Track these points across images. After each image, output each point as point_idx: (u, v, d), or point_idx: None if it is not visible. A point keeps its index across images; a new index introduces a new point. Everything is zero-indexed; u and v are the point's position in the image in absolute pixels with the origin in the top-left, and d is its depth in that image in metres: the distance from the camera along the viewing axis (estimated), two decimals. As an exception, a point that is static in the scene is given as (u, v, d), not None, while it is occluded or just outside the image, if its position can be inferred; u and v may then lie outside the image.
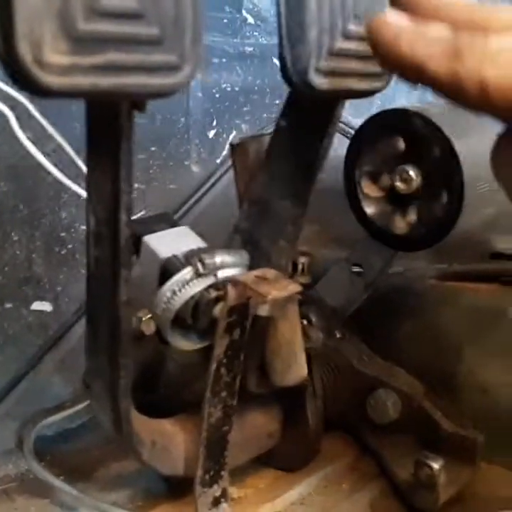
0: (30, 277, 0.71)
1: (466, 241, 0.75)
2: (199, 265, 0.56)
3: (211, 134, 0.84)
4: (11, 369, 0.71)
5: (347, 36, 0.46)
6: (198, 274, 0.56)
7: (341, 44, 0.46)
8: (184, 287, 0.56)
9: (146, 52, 0.33)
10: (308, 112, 0.52)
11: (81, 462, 0.72)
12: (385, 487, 0.70)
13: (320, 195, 0.88)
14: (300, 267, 0.65)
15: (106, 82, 0.32)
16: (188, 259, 0.57)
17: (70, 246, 0.73)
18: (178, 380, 0.75)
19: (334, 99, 0.51)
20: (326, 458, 0.74)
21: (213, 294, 0.56)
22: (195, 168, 0.83)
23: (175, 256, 0.58)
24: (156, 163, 0.79)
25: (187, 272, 0.56)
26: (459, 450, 0.67)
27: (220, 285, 0.56)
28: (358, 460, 0.74)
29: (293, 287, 0.54)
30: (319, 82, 0.45)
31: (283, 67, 0.45)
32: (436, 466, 0.62)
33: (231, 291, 0.53)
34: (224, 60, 0.86)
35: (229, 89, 0.85)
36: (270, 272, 0.55)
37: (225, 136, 0.85)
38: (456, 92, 0.34)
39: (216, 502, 0.62)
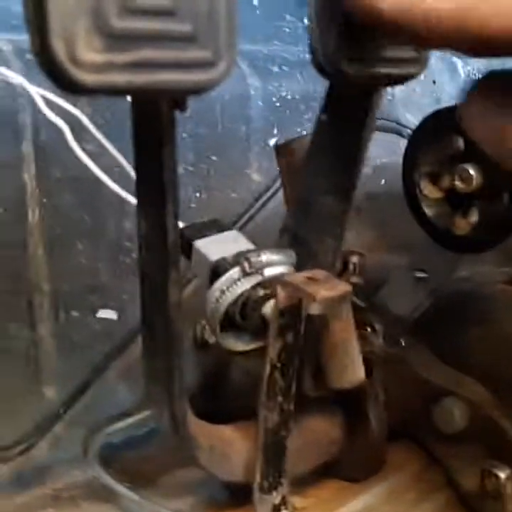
0: (96, 286, 0.72)
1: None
2: (246, 264, 0.56)
3: (272, 142, 0.84)
4: (77, 377, 0.73)
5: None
6: (245, 273, 0.56)
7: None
8: (232, 286, 0.56)
9: (180, 49, 0.34)
10: (346, 103, 0.52)
11: (146, 469, 0.73)
12: (451, 497, 0.67)
13: (381, 201, 0.87)
14: (351, 266, 0.64)
15: (140, 79, 0.33)
16: (236, 259, 0.57)
17: (134, 255, 0.74)
18: (243, 388, 0.76)
19: (369, 88, 0.50)
20: (390, 467, 0.72)
21: (261, 292, 0.56)
22: (256, 177, 0.84)
23: (223, 258, 0.58)
24: (217, 172, 0.80)
25: (235, 272, 0.57)
26: (529, 460, 0.64)
27: (267, 283, 0.56)
28: (423, 470, 0.72)
29: (343, 287, 0.53)
30: (351, 69, 0.45)
31: (314, 59, 0.45)
32: (503, 475, 0.60)
33: (280, 293, 0.53)
34: (285, 68, 0.86)
35: (289, 97, 0.86)
36: (320, 273, 0.54)
37: (288, 138, 0.85)
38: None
39: (276, 509, 0.61)
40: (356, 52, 0.44)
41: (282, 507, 0.62)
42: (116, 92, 0.33)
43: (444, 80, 1.06)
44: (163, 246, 0.45)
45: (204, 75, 0.35)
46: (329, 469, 0.72)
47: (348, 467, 0.71)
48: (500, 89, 0.36)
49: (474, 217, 0.64)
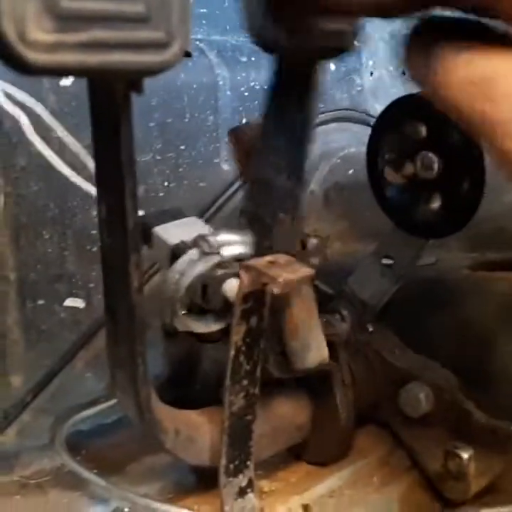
0: (63, 274, 0.72)
1: (497, 229, 0.74)
2: (204, 245, 0.57)
3: (240, 132, 0.84)
4: (44, 365, 0.72)
5: None
6: (203, 253, 0.57)
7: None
8: (191, 267, 0.57)
9: (133, 30, 0.34)
10: (288, 81, 0.53)
11: (113, 456, 0.73)
12: (417, 480, 0.69)
13: (349, 191, 0.88)
14: (310, 247, 0.65)
15: (93, 59, 0.33)
16: (194, 242, 0.58)
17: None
18: (212, 376, 0.76)
19: (306, 62, 0.52)
20: (357, 452, 0.73)
21: (220, 271, 0.56)
22: (225, 166, 0.84)
23: (182, 241, 0.59)
24: (185, 161, 0.80)
25: (193, 253, 0.57)
26: (492, 441, 0.66)
27: (226, 263, 0.57)
28: (389, 454, 0.73)
29: (305, 270, 0.54)
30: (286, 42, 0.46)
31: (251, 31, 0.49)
32: (465, 455, 0.61)
33: (244, 277, 0.53)
34: (253, 58, 0.86)
35: (258, 87, 0.86)
36: (283, 257, 0.55)
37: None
38: None
39: (242, 492, 0.62)
40: (289, 25, 0.45)
41: (248, 490, 0.62)
42: (67, 72, 0.33)
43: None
44: (123, 230, 0.45)
45: (157, 56, 0.35)
46: (296, 453, 0.73)
47: (315, 451, 0.72)
48: (441, 30, 0.37)
49: (436, 203, 0.65)
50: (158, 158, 0.77)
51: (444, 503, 0.64)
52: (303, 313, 0.57)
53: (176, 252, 0.58)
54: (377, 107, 1.03)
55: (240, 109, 0.85)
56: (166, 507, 0.62)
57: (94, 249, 0.74)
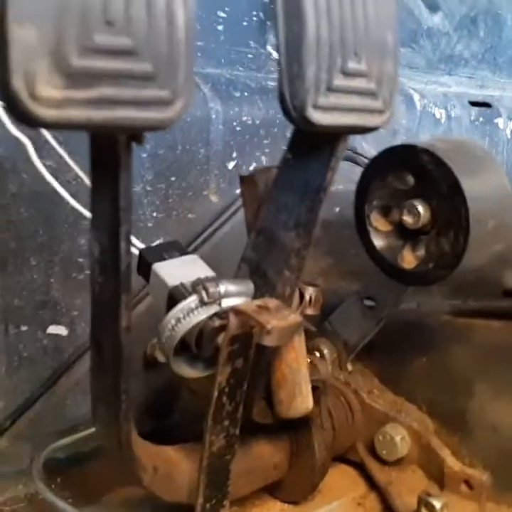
0: (47, 301, 0.72)
1: (480, 278, 0.75)
2: (204, 294, 0.57)
3: (231, 165, 0.85)
4: (25, 390, 0.72)
5: (346, 73, 0.47)
6: (202, 303, 0.57)
7: (340, 81, 0.47)
8: (188, 315, 0.57)
9: (139, 88, 0.35)
10: (311, 146, 0.53)
11: (90, 486, 0.73)
12: (390, 524, 0.69)
13: (335, 228, 0.89)
14: (308, 298, 0.65)
15: (99, 115, 0.34)
16: (194, 287, 0.58)
17: (87, 271, 0.74)
18: (193, 409, 0.76)
19: (336, 134, 0.52)
20: (332, 492, 0.74)
21: (217, 322, 0.56)
22: (214, 198, 0.84)
23: (182, 284, 0.59)
24: (175, 192, 0.80)
25: (192, 301, 0.57)
26: (465, 489, 0.67)
27: (224, 314, 0.56)
28: (364, 496, 0.74)
29: (294, 317, 0.54)
30: (317, 117, 0.46)
31: (282, 103, 0.46)
32: (438, 505, 0.62)
33: (233, 320, 0.54)
34: (246, 93, 0.87)
35: (250, 122, 0.87)
36: (272, 302, 0.55)
37: (244, 167, 0.86)
38: None
39: (217, 531, 0.62)
40: (323, 101, 0.46)
41: (223, 529, 0.62)
42: (74, 127, 0.33)
43: (401, 111, 1.09)
44: (115, 271, 0.46)
45: (161, 113, 0.36)
46: (272, 490, 0.73)
47: (290, 490, 0.72)
48: None
49: (421, 251, 0.66)
50: (149, 189, 0.77)
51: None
52: (293, 363, 0.58)
53: (174, 295, 0.58)
54: (365, 146, 1.05)
55: (232, 143, 0.86)
56: (140, 543, 0.61)
57: (80, 277, 0.74)
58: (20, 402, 0.73)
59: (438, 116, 1.14)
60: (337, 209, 0.91)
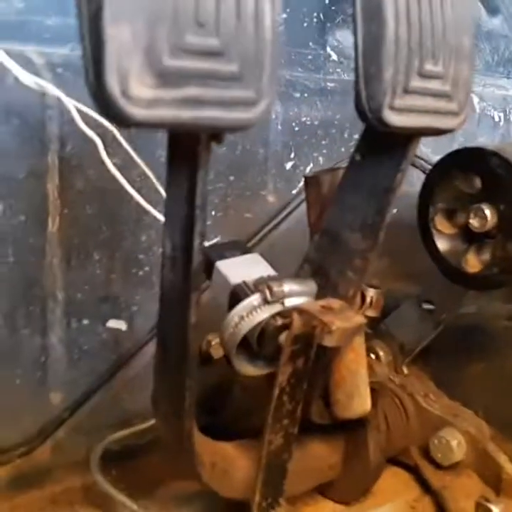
0: (108, 296, 0.74)
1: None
2: (267, 292, 0.57)
3: (288, 165, 0.85)
4: (83, 383, 0.74)
5: (423, 75, 0.47)
6: (265, 301, 0.57)
7: (417, 83, 0.46)
8: (251, 313, 0.57)
9: (226, 88, 0.35)
10: (383, 147, 0.53)
11: (144, 479, 0.74)
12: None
13: (394, 229, 0.88)
14: (368, 299, 0.65)
15: (187, 114, 0.34)
16: (256, 286, 0.58)
17: (147, 268, 0.75)
18: (245, 405, 0.77)
19: (409, 136, 0.52)
20: (385, 495, 0.74)
21: (279, 321, 0.57)
22: (271, 198, 0.85)
23: (244, 282, 0.59)
24: (234, 192, 0.81)
25: (255, 299, 0.58)
26: (523, 496, 0.66)
27: (286, 313, 0.56)
28: (417, 499, 0.74)
29: (357, 319, 0.54)
30: (393, 119, 0.46)
31: (358, 103, 0.46)
32: (496, 510, 0.61)
33: (296, 320, 0.54)
34: (305, 94, 0.87)
35: (308, 123, 0.87)
36: (336, 303, 0.56)
37: (302, 168, 0.87)
38: None
39: (272, 529, 0.62)
40: (400, 103, 0.46)
41: (278, 527, 0.63)
42: (163, 126, 0.34)
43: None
44: (187, 268, 0.46)
45: (246, 113, 0.36)
46: (323, 490, 0.73)
47: (342, 490, 0.72)
48: None
49: (486, 255, 0.65)
50: (209, 188, 0.78)
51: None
52: (352, 364, 0.58)
53: (237, 292, 0.58)
54: (423, 148, 1.04)
55: (290, 143, 0.86)
56: (195, 537, 0.62)
57: (141, 273, 0.75)
58: (78, 394, 0.74)
59: (496, 119, 1.12)
60: (395, 210, 0.90)
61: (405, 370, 0.79)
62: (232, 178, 0.80)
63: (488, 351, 0.76)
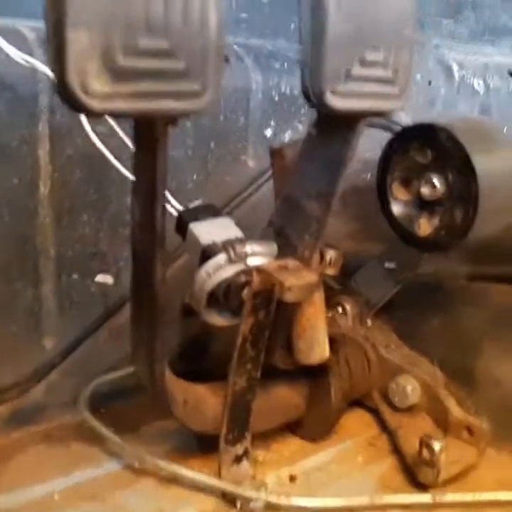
0: (96, 253, 0.80)
1: (495, 246, 0.80)
2: (232, 252, 0.64)
3: (268, 132, 0.91)
4: (74, 332, 0.81)
5: (364, 63, 0.52)
6: (230, 260, 0.64)
7: (358, 70, 0.52)
8: (218, 271, 0.64)
9: (175, 82, 0.41)
10: (333, 125, 0.59)
11: (129, 418, 0.81)
12: (397, 463, 0.76)
13: (364, 194, 0.94)
14: (328, 259, 0.72)
15: (141, 106, 0.40)
16: (224, 246, 0.65)
17: (132, 227, 0.82)
18: (221, 355, 0.84)
19: (354, 118, 0.57)
20: (347, 433, 0.82)
21: (242, 278, 0.63)
22: (251, 163, 0.90)
23: (213, 243, 0.66)
24: (214, 157, 0.87)
25: (221, 258, 0.64)
26: (466, 435, 0.73)
27: (248, 271, 0.63)
28: (376, 437, 0.81)
29: (310, 277, 0.61)
30: (336, 103, 0.52)
31: (303, 89, 0.52)
32: (437, 446, 0.68)
33: (256, 278, 0.61)
34: (285, 65, 0.92)
35: (288, 92, 0.92)
36: (292, 262, 0.62)
37: (281, 135, 0.92)
38: None
39: (238, 459, 0.70)
40: (341, 88, 0.51)
41: (244, 458, 0.70)
42: (119, 115, 0.41)
43: (440, 81, 1.12)
44: (152, 230, 0.53)
45: (193, 103, 0.42)
46: (291, 428, 0.81)
47: (308, 429, 0.80)
48: None
49: (436, 221, 0.72)
50: (190, 153, 0.84)
51: (417, 487, 0.72)
52: (312, 317, 0.65)
53: (207, 252, 0.65)
54: (402, 115, 1.09)
55: (270, 111, 0.91)
56: (170, 466, 0.70)
57: (126, 232, 0.81)
58: (69, 341, 0.81)
59: (476, 87, 1.16)
60: (368, 175, 0.96)
61: (370, 323, 0.86)
62: (212, 144, 0.86)
63: (445, 307, 0.83)
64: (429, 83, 1.10)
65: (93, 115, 0.39)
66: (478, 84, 1.17)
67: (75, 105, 0.38)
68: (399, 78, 0.55)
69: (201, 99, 0.43)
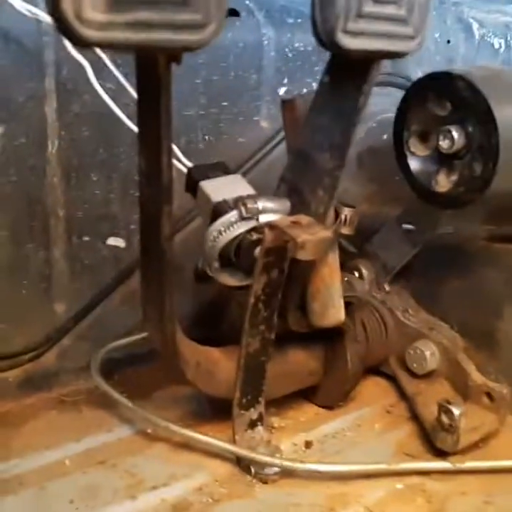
0: (107, 215, 0.78)
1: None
2: (243, 209, 0.62)
3: (282, 91, 0.88)
4: (86, 296, 0.80)
5: (376, 0, 0.50)
6: (242, 218, 0.62)
7: (370, 7, 0.50)
8: (229, 228, 0.62)
9: (174, 12, 0.39)
10: (345, 70, 0.57)
11: (142, 384, 0.80)
12: (415, 429, 0.74)
13: (381, 155, 0.91)
14: (343, 217, 0.69)
15: (137, 37, 0.38)
16: (235, 203, 0.63)
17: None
18: (239, 320, 0.82)
19: (369, 60, 0.55)
20: (364, 400, 0.80)
21: (254, 236, 0.62)
22: (264, 124, 0.88)
23: (224, 200, 0.64)
24: (227, 117, 0.84)
25: (232, 215, 0.62)
26: (486, 401, 0.71)
27: (260, 229, 0.61)
28: (393, 404, 0.80)
29: (323, 233, 0.58)
30: (347, 42, 0.49)
31: (314, 28, 0.49)
32: (457, 411, 0.66)
33: (268, 234, 0.59)
34: (299, 20, 0.89)
35: (302, 49, 0.89)
36: (305, 219, 0.60)
37: (296, 93, 0.89)
38: None
39: (253, 424, 0.69)
40: (353, 27, 0.49)
41: (258, 423, 0.69)
42: (115, 47, 0.38)
43: (459, 40, 1.08)
44: (159, 183, 0.51)
45: (194, 35, 0.40)
46: (307, 395, 0.79)
47: (324, 395, 0.78)
48: None
49: (455, 176, 0.69)
50: (202, 112, 0.82)
51: (436, 454, 0.70)
52: (327, 277, 0.63)
53: (218, 210, 0.63)
54: (420, 74, 1.05)
55: (283, 69, 0.89)
56: (183, 431, 0.68)
57: (137, 193, 0.80)
58: (82, 305, 0.80)
59: (496, 46, 1.13)
60: (385, 136, 0.93)
61: (387, 288, 0.84)
62: (225, 103, 0.84)
63: (465, 269, 0.80)
64: (448, 42, 1.07)
65: (87, 45, 0.37)
66: (498, 44, 1.13)
67: (69, 34, 0.36)
68: (413, 18, 0.52)
69: (203, 32, 0.40)
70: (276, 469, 0.66)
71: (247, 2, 0.86)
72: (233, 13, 0.82)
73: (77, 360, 0.80)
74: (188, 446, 0.70)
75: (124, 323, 0.82)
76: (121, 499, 0.62)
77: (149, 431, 0.72)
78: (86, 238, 0.78)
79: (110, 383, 0.76)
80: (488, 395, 0.71)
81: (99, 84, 0.71)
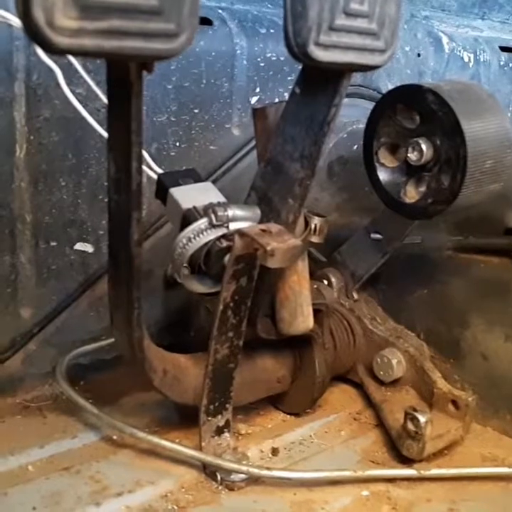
0: (75, 220, 0.78)
1: (482, 216, 0.78)
2: (213, 217, 0.62)
3: (253, 100, 0.89)
4: (52, 301, 0.79)
5: (348, 13, 0.50)
6: (211, 225, 0.62)
7: (342, 21, 0.50)
8: (198, 236, 0.62)
9: (146, 21, 0.39)
10: (317, 82, 0.57)
11: (109, 389, 0.80)
12: (381, 437, 0.75)
13: (352, 165, 0.92)
14: (313, 226, 0.70)
15: (109, 44, 0.38)
16: (205, 211, 0.63)
17: (113, 195, 0.79)
18: (207, 326, 0.82)
19: (340, 72, 0.55)
20: (331, 407, 0.81)
21: (224, 243, 0.62)
22: (235, 132, 0.88)
23: (194, 207, 0.64)
24: (198, 124, 0.84)
25: (202, 223, 0.62)
26: (451, 409, 0.72)
27: (230, 236, 0.61)
28: (360, 412, 0.80)
29: (293, 241, 0.59)
30: (318, 54, 0.50)
31: (286, 40, 0.50)
32: (422, 419, 0.67)
33: (238, 242, 0.59)
34: (272, 30, 0.90)
35: (274, 58, 0.90)
36: (274, 227, 0.60)
37: (267, 102, 0.90)
38: None
39: (219, 431, 0.69)
40: (325, 40, 0.49)
41: (225, 430, 0.69)
42: (86, 54, 0.38)
43: (429, 54, 1.10)
44: (128, 189, 0.51)
45: (166, 44, 0.40)
46: (275, 402, 0.80)
47: (292, 402, 0.79)
48: None
49: (423, 187, 0.70)
50: (173, 119, 0.81)
51: (401, 461, 0.71)
52: (296, 285, 0.64)
53: (187, 217, 0.63)
54: (390, 86, 1.07)
55: (255, 78, 0.89)
56: (149, 438, 0.68)
57: (106, 199, 0.79)
58: (47, 311, 0.79)
59: (466, 59, 1.15)
60: (355, 146, 0.94)
61: (355, 296, 0.84)
62: (196, 110, 0.84)
63: (431, 279, 0.82)
64: (419, 55, 1.08)
65: (59, 52, 0.37)
66: (468, 57, 1.15)
67: (41, 41, 0.36)
68: (384, 32, 0.53)
69: (175, 41, 0.40)
70: (242, 476, 0.66)
71: (220, 11, 0.86)
72: (206, 21, 0.82)
73: (43, 366, 0.79)
74: (154, 452, 0.69)
75: (91, 328, 0.82)
76: (85, 506, 0.61)
77: (115, 437, 0.72)
78: (53, 243, 0.77)
79: (76, 389, 0.75)
80: (454, 402, 0.73)
81: (70, 89, 0.70)
